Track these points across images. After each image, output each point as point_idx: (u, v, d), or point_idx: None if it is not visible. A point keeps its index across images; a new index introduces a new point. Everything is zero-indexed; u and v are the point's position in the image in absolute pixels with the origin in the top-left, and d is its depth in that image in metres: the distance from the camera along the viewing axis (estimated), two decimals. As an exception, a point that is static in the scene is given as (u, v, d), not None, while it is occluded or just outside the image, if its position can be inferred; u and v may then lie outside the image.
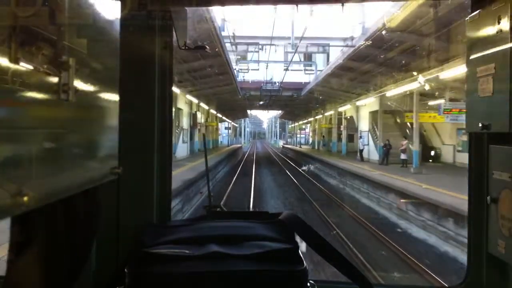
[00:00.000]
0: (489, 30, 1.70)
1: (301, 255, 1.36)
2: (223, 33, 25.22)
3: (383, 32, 18.66)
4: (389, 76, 25.24)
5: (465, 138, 21.95)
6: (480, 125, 1.75)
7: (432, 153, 29.08)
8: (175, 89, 22.27)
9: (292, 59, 34.78)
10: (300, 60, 41.02)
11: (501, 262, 1.77)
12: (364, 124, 33.61)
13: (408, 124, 28.29)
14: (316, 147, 51.43)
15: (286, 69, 35.54)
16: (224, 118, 61.12)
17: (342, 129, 39.24)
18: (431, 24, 16.88)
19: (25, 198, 0.81)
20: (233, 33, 31.20)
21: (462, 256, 9.95)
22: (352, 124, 36.65)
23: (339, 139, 40.96)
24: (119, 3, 1.37)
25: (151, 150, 1.95)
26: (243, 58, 39.91)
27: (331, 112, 42.62)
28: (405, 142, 26.72)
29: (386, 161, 27.32)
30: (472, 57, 1.83)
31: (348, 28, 32.65)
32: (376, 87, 28.30)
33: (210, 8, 15.38)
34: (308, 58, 42.76)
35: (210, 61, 24.94)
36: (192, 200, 17.58)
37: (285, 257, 1.33)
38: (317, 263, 4.36)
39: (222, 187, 22.15)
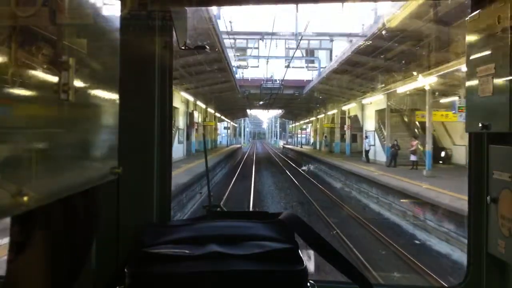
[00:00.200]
0: (489, 30, 1.70)
1: (301, 255, 1.37)
2: (220, 26, 23.36)
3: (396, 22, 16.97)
4: (399, 71, 23.67)
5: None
6: (480, 125, 1.75)
7: (443, 154, 27.18)
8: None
9: (294, 54, 33.54)
10: (303, 56, 39.98)
11: (501, 262, 1.77)
12: (369, 124, 32.10)
13: (417, 123, 27.20)
14: (318, 148, 50.16)
15: (288, 66, 34.33)
16: (223, 117, 60.49)
17: (346, 128, 37.77)
18: (455, 11, 14.30)
19: (25, 198, 0.81)
20: (230, 22, 30.08)
21: None
22: (356, 124, 35.44)
23: (342, 139, 39.76)
24: (119, 3, 1.37)
25: (151, 150, 1.95)
26: (241, 52, 38.51)
27: (334, 111, 41.37)
28: (415, 142, 25.34)
29: (394, 162, 26.00)
30: (472, 57, 1.83)
31: (352, 24, 32.15)
32: (384, 84, 26.74)
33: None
34: (310, 54, 41.52)
35: (206, 55, 23.00)
36: (185, 207, 16.16)
37: (285, 257, 1.33)
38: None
39: (219, 192, 19.78)
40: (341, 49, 30.27)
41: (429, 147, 22.20)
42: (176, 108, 28.04)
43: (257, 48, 39.26)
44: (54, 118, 1.00)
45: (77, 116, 1.08)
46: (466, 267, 1.99)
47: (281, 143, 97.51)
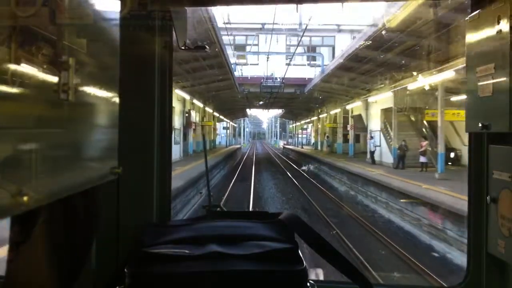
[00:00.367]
0: (488, 30, 1.70)
1: (301, 255, 1.37)
2: (217, 20, 21.31)
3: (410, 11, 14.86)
4: (410, 67, 21.53)
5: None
6: (480, 125, 1.75)
7: (452, 155, 25.05)
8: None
9: (296, 50, 32.18)
10: (305, 52, 38.82)
11: (501, 262, 1.77)
12: (374, 123, 30.25)
13: (425, 122, 25.74)
14: (320, 148, 48.79)
15: (288, 64, 32.57)
16: (222, 117, 59.85)
17: (349, 128, 36.00)
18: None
19: (25, 198, 0.81)
20: (227, 14, 27.98)
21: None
22: (360, 124, 33.64)
23: (345, 139, 38.20)
24: (119, 3, 1.37)
25: (151, 150, 1.95)
26: (240, 49, 37.33)
27: (337, 110, 39.86)
28: (425, 143, 23.62)
29: (402, 164, 24.37)
30: (471, 57, 1.83)
31: (356, 20, 31.01)
32: (392, 80, 24.64)
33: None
34: (312, 51, 40.33)
35: (203, 51, 19.94)
36: (177, 215, 13.70)
37: (285, 257, 1.33)
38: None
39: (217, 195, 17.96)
40: (344, 46, 28.94)
41: (441, 148, 20.49)
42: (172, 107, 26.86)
43: (257, 45, 38.32)
44: (54, 118, 1.00)
45: (77, 116, 1.08)
46: (466, 267, 1.99)
47: (281, 143, 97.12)
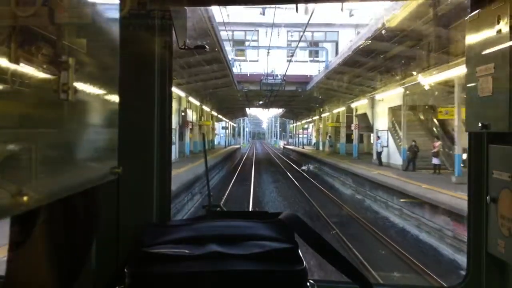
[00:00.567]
0: (488, 30, 1.70)
1: (301, 255, 1.37)
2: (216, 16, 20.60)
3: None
4: (422, 61, 19.84)
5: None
6: (479, 124, 1.75)
7: (464, 156, 22.88)
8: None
9: (298, 44, 31.00)
10: (307, 46, 37.72)
11: (500, 262, 1.77)
12: (381, 123, 28.57)
13: (435, 121, 24.55)
14: (321, 148, 47.29)
15: (290, 60, 31.20)
16: (221, 117, 58.84)
17: (353, 128, 34.07)
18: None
19: (25, 198, 0.81)
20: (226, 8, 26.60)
21: None
22: (364, 123, 31.96)
23: (349, 139, 36.18)
24: (118, 2, 1.37)
25: (151, 150, 1.95)
26: (239, 44, 36.16)
27: (340, 109, 38.27)
28: (437, 143, 22.05)
29: (412, 166, 22.68)
30: (471, 56, 1.83)
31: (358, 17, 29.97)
32: (402, 76, 22.92)
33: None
34: (315, 47, 39.23)
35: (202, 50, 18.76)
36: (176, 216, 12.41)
37: (284, 257, 1.33)
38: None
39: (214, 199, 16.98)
40: (348, 41, 27.68)
41: (459, 149, 18.62)
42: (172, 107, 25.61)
43: (256, 40, 37.10)
44: (54, 117, 1.00)
45: (77, 116, 1.09)
46: (466, 267, 1.99)
47: (281, 143, 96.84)
